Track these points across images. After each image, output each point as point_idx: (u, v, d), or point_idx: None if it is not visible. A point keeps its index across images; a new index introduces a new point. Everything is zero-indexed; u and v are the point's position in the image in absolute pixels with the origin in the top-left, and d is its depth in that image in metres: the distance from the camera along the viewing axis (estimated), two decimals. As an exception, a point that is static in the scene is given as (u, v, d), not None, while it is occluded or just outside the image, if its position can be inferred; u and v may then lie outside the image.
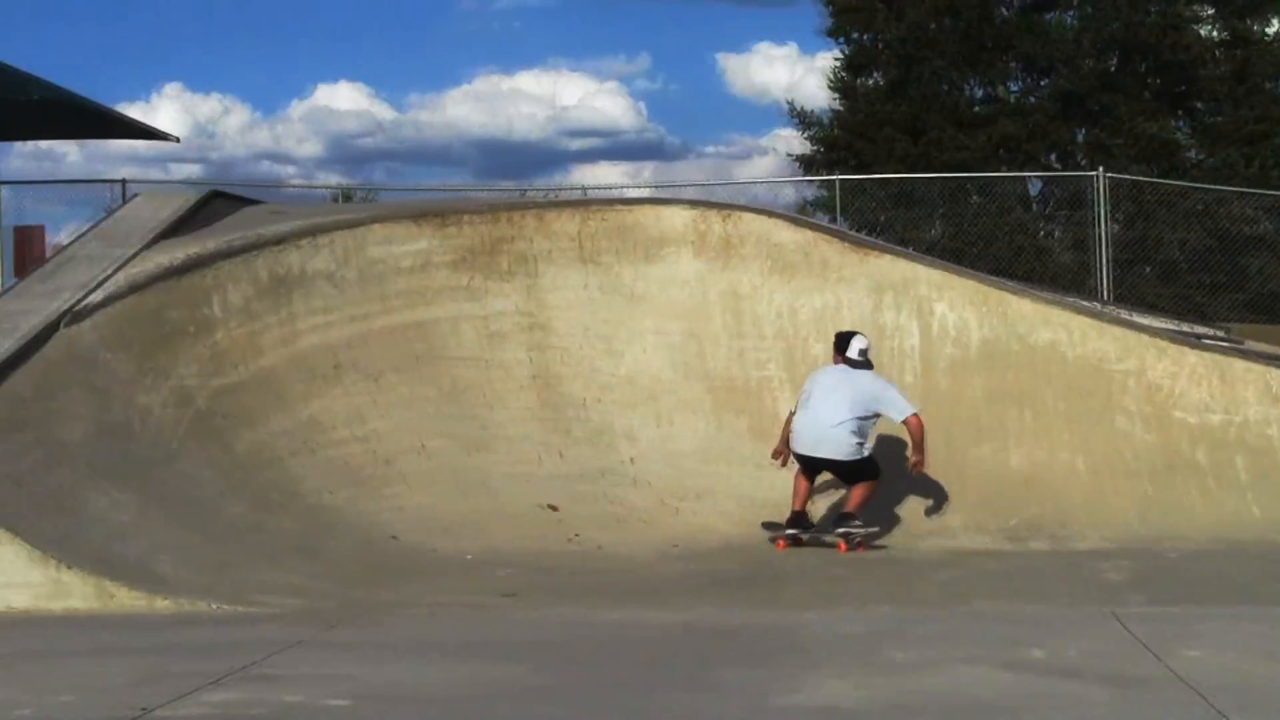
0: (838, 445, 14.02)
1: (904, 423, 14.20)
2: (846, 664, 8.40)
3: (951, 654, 8.64)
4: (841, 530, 14.05)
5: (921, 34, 32.76)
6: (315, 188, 43.92)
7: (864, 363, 14.43)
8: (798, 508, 14.17)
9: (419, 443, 14.65)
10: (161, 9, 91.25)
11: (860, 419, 14.06)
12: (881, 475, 14.28)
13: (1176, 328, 16.99)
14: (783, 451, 14.50)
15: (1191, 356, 15.51)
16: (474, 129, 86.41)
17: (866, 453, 14.17)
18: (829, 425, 13.99)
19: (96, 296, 13.78)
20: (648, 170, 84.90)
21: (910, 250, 18.56)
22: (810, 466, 14.24)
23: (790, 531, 14.08)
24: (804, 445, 14.18)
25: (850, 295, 16.25)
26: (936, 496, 14.70)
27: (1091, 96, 31.96)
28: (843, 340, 14.58)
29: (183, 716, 7.24)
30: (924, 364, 15.84)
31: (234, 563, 11.57)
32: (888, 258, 16.60)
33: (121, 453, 12.55)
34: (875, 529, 14.27)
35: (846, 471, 14.24)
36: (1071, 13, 33.63)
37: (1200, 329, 17.84)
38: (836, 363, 14.50)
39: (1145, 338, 15.70)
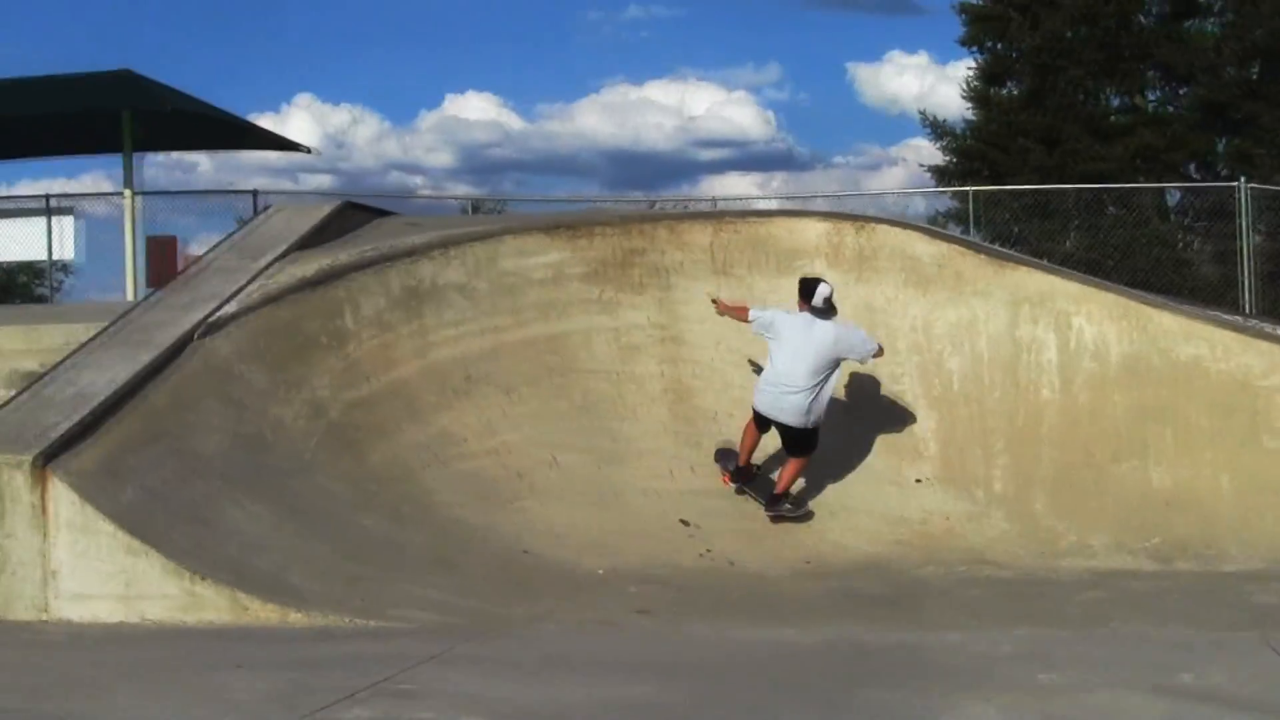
0: (794, 412, 14.29)
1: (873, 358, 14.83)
2: (990, 686, 8.20)
3: (1097, 678, 8.43)
4: (773, 512, 14.49)
5: (1058, 43, 32.42)
6: (444, 198, 44.15)
7: (827, 310, 14.55)
8: (743, 463, 14.74)
9: (551, 456, 14.59)
10: (292, 22, 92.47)
11: (822, 382, 14.34)
12: (817, 449, 14.61)
13: (1325, 342, 16.53)
14: (727, 309, 15.11)
15: (1342, 372, 15.08)
16: (603, 139, 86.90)
17: (816, 423, 14.44)
18: (790, 391, 14.26)
19: (232, 308, 13.86)
20: (777, 180, 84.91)
21: (1047, 263, 18.25)
22: (763, 422, 14.50)
23: (735, 484, 14.81)
24: (763, 405, 14.46)
25: (986, 308, 16.02)
26: (1077, 515, 14.40)
27: (1234, 105, 31.43)
28: (808, 287, 14.67)
29: (317, 733, 7.22)
30: (1062, 379, 15.55)
31: (367, 576, 11.55)
32: (1025, 270, 16.34)
33: (256, 464, 12.60)
34: (807, 511, 14.64)
35: (794, 437, 14.50)
36: (1213, 20, 33.09)
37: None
38: (802, 309, 14.62)
39: (1293, 352, 15.28)
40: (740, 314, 14.91)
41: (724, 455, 14.95)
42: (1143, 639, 10.13)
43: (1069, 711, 7.66)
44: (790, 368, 14.26)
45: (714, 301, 15.35)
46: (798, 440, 14.47)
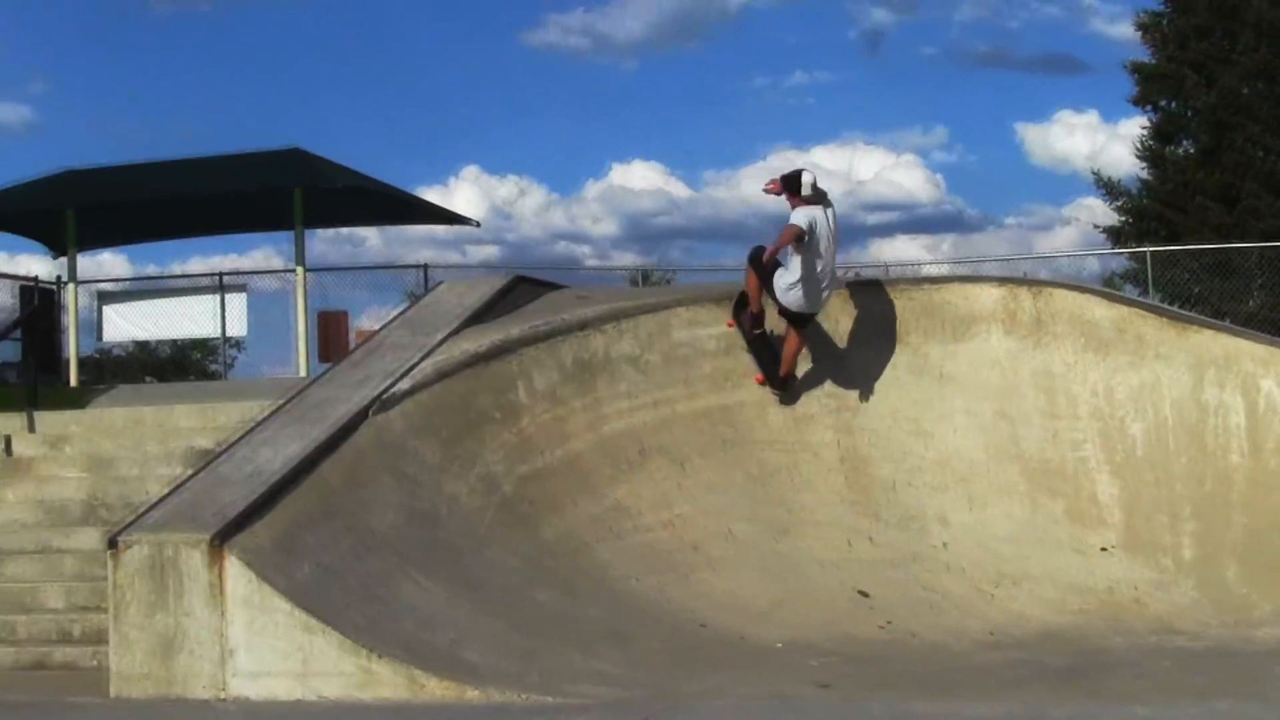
0: (823, 301, 15.65)
1: None
2: (1188, 765, 7.89)
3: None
4: (779, 390, 15.74)
5: (1234, 99, 31.85)
6: (612, 270, 44.37)
7: (818, 195, 15.22)
8: (756, 310, 15.87)
9: (726, 528, 14.42)
10: (456, 95, 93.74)
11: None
12: None
13: None
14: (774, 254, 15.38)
15: None
16: (769, 205, 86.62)
17: None
18: (826, 283, 15.42)
19: (404, 384, 13.91)
20: (946, 243, 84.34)
21: (1230, 324, 17.79)
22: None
23: (749, 331, 15.97)
24: (800, 303, 15.33)
25: (1169, 372, 15.63)
26: (1271, 583, 13.91)
27: None
28: (793, 182, 15.27)
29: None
30: (1251, 443, 15.10)
31: (542, 651, 11.45)
32: (1208, 332, 15.94)
33: (429, 540, 12.58)
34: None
35: (807, 320, 15.63)
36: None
37: None
38: (797, 204, 15.21)
39: None
40: (789, 237, 15.08)
41: (754, 320, 15.86)
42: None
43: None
44: (825, 262, 15.28)
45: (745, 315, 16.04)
46: (809, 321, 15.59)
